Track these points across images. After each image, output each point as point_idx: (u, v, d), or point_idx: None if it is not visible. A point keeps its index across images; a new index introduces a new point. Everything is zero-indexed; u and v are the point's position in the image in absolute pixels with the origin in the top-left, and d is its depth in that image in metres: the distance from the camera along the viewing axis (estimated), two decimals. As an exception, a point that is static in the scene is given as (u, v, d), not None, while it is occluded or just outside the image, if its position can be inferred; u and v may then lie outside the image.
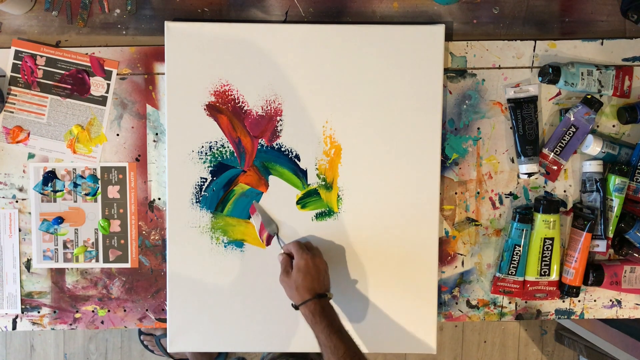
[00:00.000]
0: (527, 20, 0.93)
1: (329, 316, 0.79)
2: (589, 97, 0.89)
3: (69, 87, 0.91)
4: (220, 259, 0.91)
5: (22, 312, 0.94)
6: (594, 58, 0.92)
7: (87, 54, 0.90)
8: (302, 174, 0.91)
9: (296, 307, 0.81)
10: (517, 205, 0.94)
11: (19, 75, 0.90)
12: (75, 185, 0.92)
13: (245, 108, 0.90)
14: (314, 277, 0.81)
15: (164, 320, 0.94)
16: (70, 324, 0.95)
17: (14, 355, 1.66)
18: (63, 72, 0.90)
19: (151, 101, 0.92)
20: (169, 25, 0.88)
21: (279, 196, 0.91)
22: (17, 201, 0.93)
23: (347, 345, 0.76)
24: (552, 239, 0.91)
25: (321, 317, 0.78)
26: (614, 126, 0.93)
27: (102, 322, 0.95)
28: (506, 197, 0.94)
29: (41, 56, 0.90)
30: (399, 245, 0.91)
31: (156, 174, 0.93)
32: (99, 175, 0.92)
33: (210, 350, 0.93)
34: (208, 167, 0.90)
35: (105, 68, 0.91)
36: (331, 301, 0.82)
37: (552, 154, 0.91)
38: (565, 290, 0.92)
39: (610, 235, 0.91)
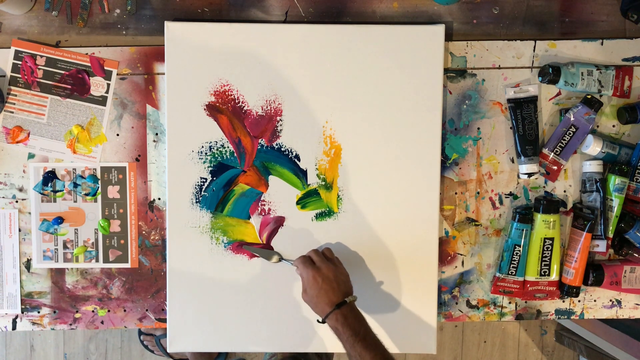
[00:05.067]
0: (527, 20, 0.93)
1: (352, 325, 0.77)
2: (589, 97, 0.89)
3: (69, 87, 0.91)
4: (220, 259, 0.91)
5: (22, 312, 0.94)
6: (594, 58, 0.92)
7: (87, 54, 0.90)
8: (302, 174, 0.91)
9: (323, 321, 0.80)
10: (517, 205, 0.94)
11: (19, 75, 0.90)
12: (75, 185, 0.92)
13: (245, 108, 0.90)
14: (327, 289, 0.79)
15: (164, 320, 0.94)
16: (70, 324, 0.95)
17: (14, 355, 1.66)
18: (63, 72, 0.90)
19: (151, 101, 0.92)
20: (169, 25, 0.88)
21: (279, 196, 0.91)
22: (17, 201, 0.93)
23: (372, 353, 0.75)
24: (552, 239, 0.91)
25: (344, 327, 0.77)
26: (614, 126, 0.93)
27: (102, 322, 0.95)
28: (506, 197, 0.94)
29: (41, 56, 0.90)
30: (399, 245, 0.91)
31: (156, 174, 0.93)
32: (99, 175, 0.92)
33: (210, 350, 0.93)
34: (208, 167, 0.90)
35: (105, 68, 0.91)
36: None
37: (552, 154, 0.91)
38: (565, 290, 0.92)
39: (610, 235, 0.91)
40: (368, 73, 0.89)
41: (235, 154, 0.90)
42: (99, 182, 0.93)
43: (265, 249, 0.91)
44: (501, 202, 0.94)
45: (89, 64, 0.91)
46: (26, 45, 0.90)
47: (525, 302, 0.96)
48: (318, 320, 0.80)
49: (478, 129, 0.93)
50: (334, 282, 0.80)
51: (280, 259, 0.90)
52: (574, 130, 0.89)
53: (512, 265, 0.92)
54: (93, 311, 0.95)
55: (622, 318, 0.97)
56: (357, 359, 0.75)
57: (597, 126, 0.93)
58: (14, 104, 0.91)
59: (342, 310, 0.78)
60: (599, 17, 0.93)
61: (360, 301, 0.92)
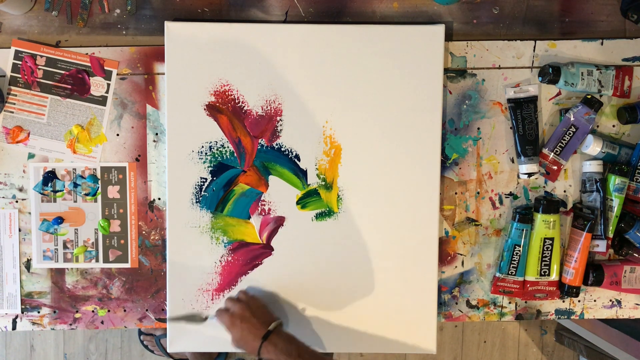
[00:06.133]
0: (527, 20, 0.93)
1: (283, 349, 0.79)
2: (589, 97, 0.89)
3: (69, 87, 0.91)
4: (220, 259, 0.91)
5: (22, 312, 0.94)
6: (594, 58, 0.92)
7: (87, 54, 0.90)
8: (302, 174, 0.91)
9: (259, 359, 0.81)
10: (517, 205, 0.94)
11: (19, 75, 0.90)
12: (75, 185, 0.92)
13: (245, 108, 0.90)
14: (248, 327, 0.81)
15: (164, 320, 0.94)
16: (70, 324, 0.95)
17: (14, 355, 1.66)
18: (63, 72, 0.90)
19: (151, 101, 0.92)
20: (169, 25, 0.88)
21: (279, 196, 0.91)
22: (17, 201, 0.93)
23: None
24: (552, 239, 0.91)
25: (277, 355, 0.78)
26: (614, 126, 0.93)
27: (102, 322, 0.95)
28: (506, 197, 0.94)
29: (41, 56, 0.90)
30: (399, 245, 0.91)
31: (156, 174, 0.93)
32: (99, 175, 0.93)
33: (210, 350, 0.93)
34: (208, 167, 0.90)
35: (105, 68, 0.91)
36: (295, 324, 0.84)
37: (552, 154, 0.91)
38: (565, 290, 0.92)
39: (610, 235, 0.91)
40: (368, 73, 0.89)
41: (235, 154, 0.90)
42: (99, 182, 0.93)
43: (189, 314, 0.91)
44: (501, 202, 0.94)
45: (89, 64, 0.91)
46: (26, 45, 0.90)
47: (525, 302, 0.96)
48: None
49: (478, 129, 0.93)
50: (252, 319, 0.82)
51: (205, 317, 0.90)
52: (574, 130, 0.89)
53: (512, 265, 0.92)
54: (93, 311, 0.95)
55: (622, 318, 0.97)
56: None
57: (597, 126, 0.93)
58: (14, 104, 0.91)
59: (270, 339, 0.79)
60: (599, 17, 0.93)
61: (359, 301, 0.92)
